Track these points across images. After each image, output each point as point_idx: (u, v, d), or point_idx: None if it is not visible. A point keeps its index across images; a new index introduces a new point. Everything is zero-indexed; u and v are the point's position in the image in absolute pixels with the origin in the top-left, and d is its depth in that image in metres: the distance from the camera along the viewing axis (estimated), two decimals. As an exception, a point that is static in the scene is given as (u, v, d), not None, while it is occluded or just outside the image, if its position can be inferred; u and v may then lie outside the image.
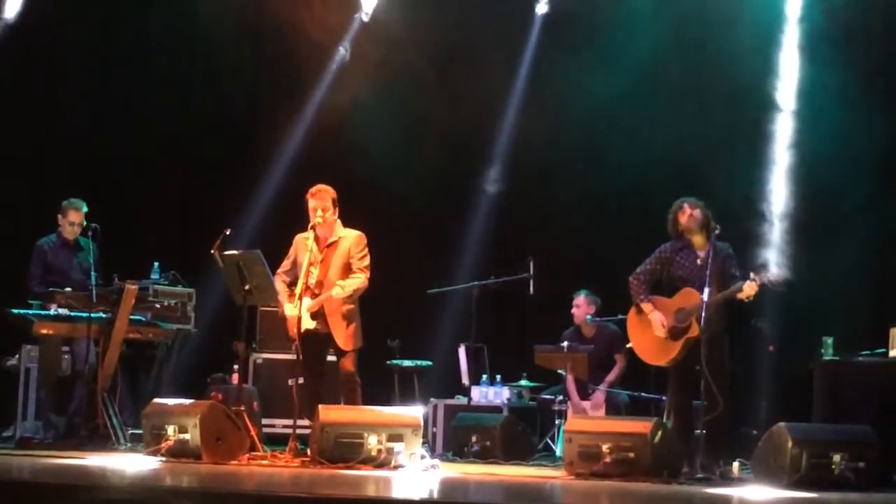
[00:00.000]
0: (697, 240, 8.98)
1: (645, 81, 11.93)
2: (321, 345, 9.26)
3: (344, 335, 9.16)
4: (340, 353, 9.24)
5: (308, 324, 9.13)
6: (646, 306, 9.07)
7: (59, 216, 10.33)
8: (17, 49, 12.31)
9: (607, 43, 11.83)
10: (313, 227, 9.16)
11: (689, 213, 8.99)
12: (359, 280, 9.09)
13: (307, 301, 9.12)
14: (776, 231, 11.20)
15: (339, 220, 9.32)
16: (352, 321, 9.22)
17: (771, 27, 11.68)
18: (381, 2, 12.85)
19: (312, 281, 9.19)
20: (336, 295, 9.04)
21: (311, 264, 9.16)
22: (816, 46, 11.43)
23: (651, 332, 9.04)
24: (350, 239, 9.26)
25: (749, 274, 8.68)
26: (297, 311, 9.04)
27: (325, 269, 9.22)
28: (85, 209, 10.29)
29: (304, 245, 9.26)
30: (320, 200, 9.20)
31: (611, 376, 11.07)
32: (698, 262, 8.91)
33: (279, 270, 9.31)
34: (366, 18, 12.89)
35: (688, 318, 8.80)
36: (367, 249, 9.25)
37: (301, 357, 9.18)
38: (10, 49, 12.28)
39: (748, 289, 8.62)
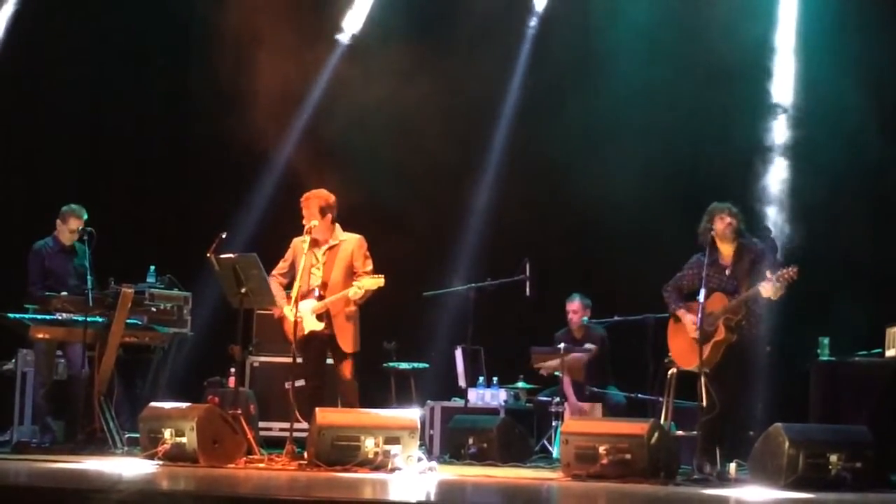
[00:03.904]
0: (726, 248, 8.94)
1: (642, 84, 11.92)
2: (323, 347, 9.30)
3: (347, 337, 9.19)
4: (339, 357, 9.27)
5: (314, 325, 9.16)
6: (679, 312, 9.04)
7: (58, 221, 10.27)
8: (15, 50, 12.31)
9: (602, 50, 11.85)
10: (310, 231, 9.19)
11: (727, 221, 8.90)
12: (376, 281, 9.11)
13: (313, 303, 9.15)
14: (772, 231, 11.20)
15: (338, 225, 9.34)
16: (354, 323, 9.25)
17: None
18: (376, 4, 12.85)
19: (316, 283, 9.21)
20: (353, 295, 9.09)
21: (311, 267, 9.21)
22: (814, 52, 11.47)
23: (685, 336, 9.03)
24: (352, 242, 9.31)
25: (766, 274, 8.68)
26: (294, 315, 9.07)
27: (328, 271, 9.27)
28: (85, 216, 10.26)
29: (301, 249, 9.29)
30: (306, 209, 9.31)
31: (575, 356, 10.97)
32: (727, 272, 8.90)
33: (274, 272, 9.34)
34: (357, 29, 12.93)
35: (715, 322, 8.77)
36: (369, 253, 9.29)
37: (302, 359, 9.23)
38: (7, 50, 12.27)
39: (764, 290, 8.60)
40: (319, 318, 9.22)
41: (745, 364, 8.70)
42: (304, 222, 9.25)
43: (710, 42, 11.53)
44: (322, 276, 9.27)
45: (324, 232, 9.30)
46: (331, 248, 9.32)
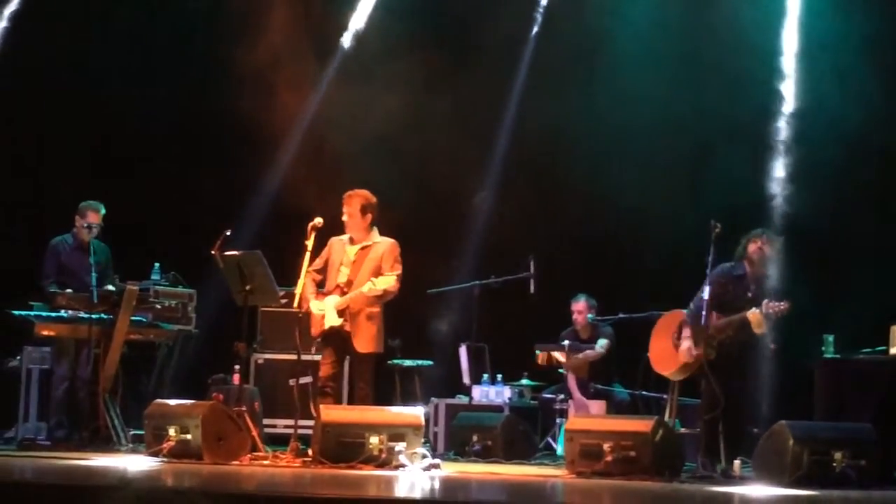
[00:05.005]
0: (753, 270, 8.97)
1: (648, 81, 11.91)
2: (343, 344, 9.29)
3: (365, 336, 9.20)
4: (356, 360, 9.29)
5: (334, 321, 9.16)
6: (685, 331, 9.00)
7: (77, 217, 10.30)
8: (17, 47, 12.32)
9: (607, 42, 11.85)
10: (313, 228, 9.18)
11: (758, 246, 8.94)
12: (390, 280, 9.10)
13: (336, 298, 9.16)
14: (775, 228, 11.20)
15: (375, 228, 9.36)
16: (375, 324, 9.25)
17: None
18: (380, 11, 12.86)
19: (342, 281, 9.22)
20: (368, 291, 9.08)
21: (341, 264, 9.27)
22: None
23: (667, 341, 9.11)
24: (384, 245, 9.33)
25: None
26: (300, 307, 9.11)
27: (356, 270, 9.28)
28: (103, 211, 10.27)
29: (338, 246, 9.31)
30: (346, 205, 9.35)
31: (589, 353, 10.97)
32: (749, 294, 8.93)
33: (310, 268, 9.33)
34: (360, 25, 12.94)
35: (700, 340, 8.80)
36: (399, 258, 9.29)
37: (321, 354, 9.28)
38: (9, 47, 12.29)
39: (752, 316, 8.66)
40: (341, 314, 9.22)
41: (726, 372, 8.69)
42: (343, 219, 9.30)
43: (714, 33, 11.56)
44: (349, 274, 9.28)
45: (360, 231, 9.33)
46: (363, 248, 9.34)
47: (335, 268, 9.30)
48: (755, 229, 9.10)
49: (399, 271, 9.23)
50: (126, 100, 12.48)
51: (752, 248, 8.98)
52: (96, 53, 12.49)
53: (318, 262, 9.41)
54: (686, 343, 9.01)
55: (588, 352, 11.00)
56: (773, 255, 9.01)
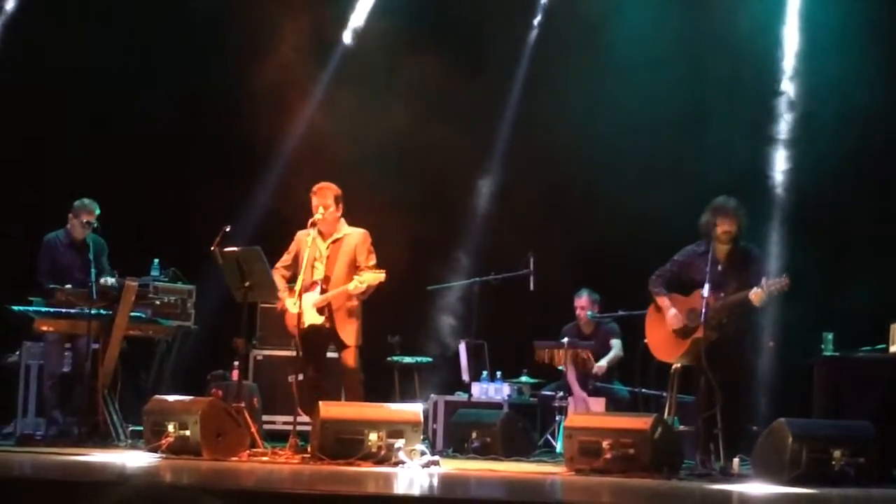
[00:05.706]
0: (722, 248, 8.93)
1: (644, 73, 11.92)
2: (323, 340, 9.30)
3: (349, 331, 9.19)
4: (342, 349, 9.26)
5: (314, 318, 9.16)
6: (661, 300, 9.03)
7: (70, 216, 10.28)
8: (18, 44, 12.31)
9: (607, 39, 11.85)
10: (313, 224, 9.18)
11: (725, 227, 8.81)
12: (378, 276, 9.07)
13: (315, 296, 9.15)
14: (775, 226, 11.20)
15: (343, 219, 9.35)
16: (356, 318, 9.24)
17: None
18: (379, 8, 12.87)
19: (318, 276, 9.21)
20: (353, 289, 9.06)
21: (315, 260, 9.20)
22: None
23: (664, 328, 9.06)
24: (356, 236, 9.30)
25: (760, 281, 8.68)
26: (297, 308, 9.07)
27: (331, 265, 9.26)
28: (97, 211, 10.26)
29: (305, 241, 9.28)
30: (321, 198, 9.26)
31: (604, 361, 11.01)
32: (719, 267, 8.87)
33: (277, 265, 9.35)
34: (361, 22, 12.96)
35: (698, 319, 8.76)
36: (372, 248, 9.28)
37: (302, 352, 9.23)
38: (10, 45, 12.29)
39: (753, 296, 8.63)
40: (321, 311, 9.21)
41: (728, 360, 8.69)
42: (314, 212, 9.25)
43: (714, 29, 11.57)
44: (325, 269, 9.27)
45: (330, 225, 9.30)
46: (335, 241, 9.33)
47: (308, 264, 9.21)
48: (721, 200, 8.89)
49: (374, 262, 9.20)
50: (125, 97, 12.48)
51: (721, 227, 8.81)
52: (96, 48, 12.48)
53: (286, 259, 9.40)
54: (671, 310, 8.95)
55: (610, 356, 11.03)
56: (738, 230, 8.88)
